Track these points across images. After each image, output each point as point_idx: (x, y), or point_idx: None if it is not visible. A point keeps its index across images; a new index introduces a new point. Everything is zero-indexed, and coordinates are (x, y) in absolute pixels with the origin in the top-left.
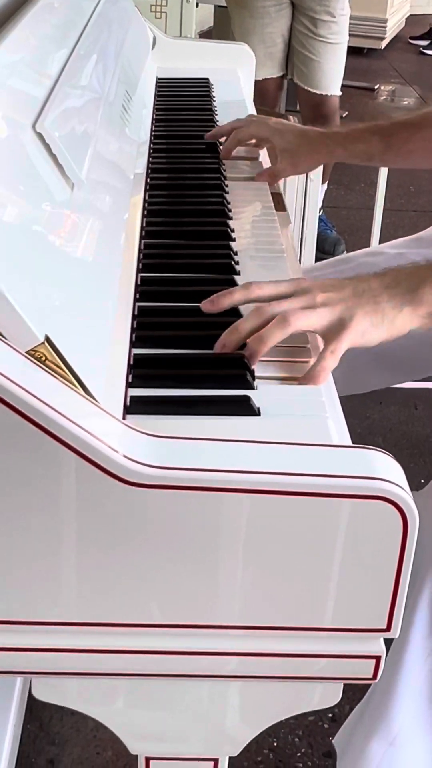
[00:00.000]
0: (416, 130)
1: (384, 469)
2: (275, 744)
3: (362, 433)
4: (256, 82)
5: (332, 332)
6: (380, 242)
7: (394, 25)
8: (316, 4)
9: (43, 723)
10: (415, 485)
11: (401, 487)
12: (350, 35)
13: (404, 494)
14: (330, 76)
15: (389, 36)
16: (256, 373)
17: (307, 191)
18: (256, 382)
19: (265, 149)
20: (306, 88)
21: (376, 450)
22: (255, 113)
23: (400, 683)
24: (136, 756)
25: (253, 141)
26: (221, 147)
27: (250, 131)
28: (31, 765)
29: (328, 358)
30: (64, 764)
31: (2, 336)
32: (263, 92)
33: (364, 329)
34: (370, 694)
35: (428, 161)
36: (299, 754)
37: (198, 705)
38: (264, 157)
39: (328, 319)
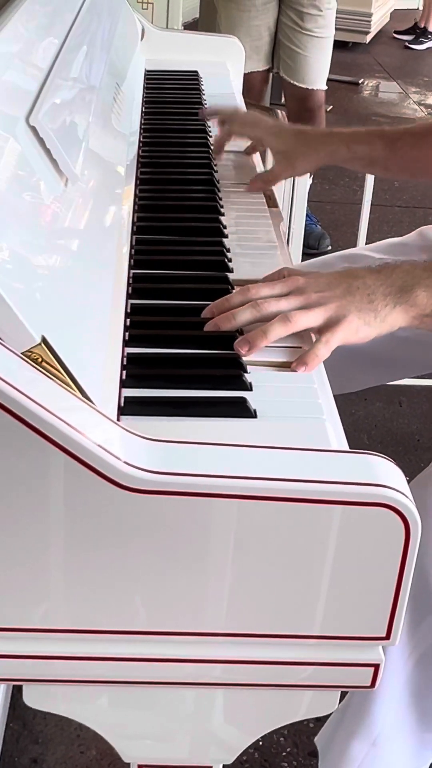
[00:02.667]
0: (421, 137)
1: (386, 475)
2: (260, 743)
3: (347, 430)
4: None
5: (326, 328)
6: (366, 237)
7: (378, 19)
8: None
9: (26, 722)
10: None
11: (404, 494)
12: (335, 29)
13: (407, 501)
14: (316, 70)
15: (374, 30)
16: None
17: (295, 187)
18: (251, 379)
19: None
20: (292, 81)
21: (377, 455)
22: (244, 107)
23: (381, 684)
24: (119, 756)
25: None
26: (212, 139)
27: (245, 131)
28: (14, 764)
29: (321, 347)
30: (47, 763)
31: None
32: (249, 86)
33: (357, 327)
34: (351, 694)
35: (428, 173)
36: (284, 753)
37: (190, 712)
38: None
39: (323, 317)
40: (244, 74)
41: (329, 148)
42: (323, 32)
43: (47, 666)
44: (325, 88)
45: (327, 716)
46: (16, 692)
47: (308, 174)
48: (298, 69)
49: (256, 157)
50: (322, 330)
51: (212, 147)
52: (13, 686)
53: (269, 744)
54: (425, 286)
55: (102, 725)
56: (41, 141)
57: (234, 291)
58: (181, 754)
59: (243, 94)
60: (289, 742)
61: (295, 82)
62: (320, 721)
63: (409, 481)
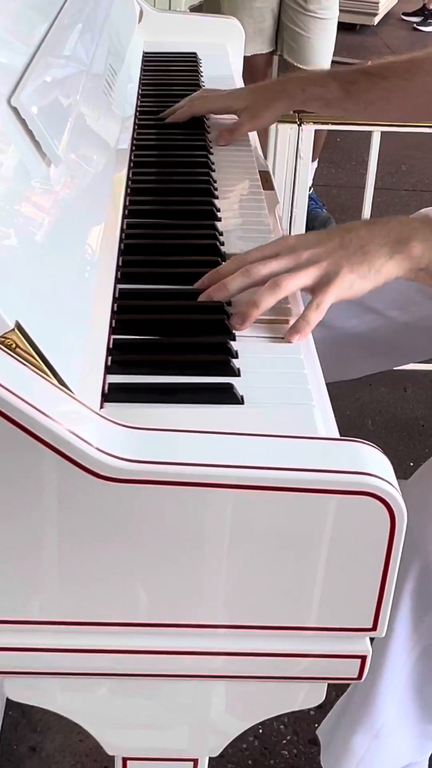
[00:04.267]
0: (378, 80)
1: (371, 463)
2: (260, 731)
3: (352, 416)
4: (246, 59)
5: (318, 287)
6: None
7: (386, 1)
8: None
9: (25, 710)
10: (404, 468)
11: (389, 482)
12: (343, 11)
13: (392, 490)
14: (320, 52)
15: (382, 12)
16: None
17: (297, 169)
18: (239, 364)
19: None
20: (296, 63)
21: (363, 443)
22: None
23: (384, 677)
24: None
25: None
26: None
27: (206, 107)
28: (12, 752)
29: (313, 312)
30: (46, 751)
31: None
32: (252, 68)
33: (351, 281)
34: (354, 686)
35: (386, 113)
36: (284, 741)
37: (180, 704)
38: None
39: (314, 276)
40: (248, 57)
41: (286, 95)
42: (327, 13)
43: (41, 659)
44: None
45: (329, 705)
46: None
47: (312, 158)
48: (301, 51)
49: (253, 135)
50: (314, 290)
51: (208, 131)
52: None
53: (269, 732)
54: (421, 239)
55: (87, 716)
56: (23, 122)
57: (226, 262)
58: (170, 746)
59: (246, 77)
60: (289, 730)
61: (299, 65)
62: (321, 709)
63: (413, 466)
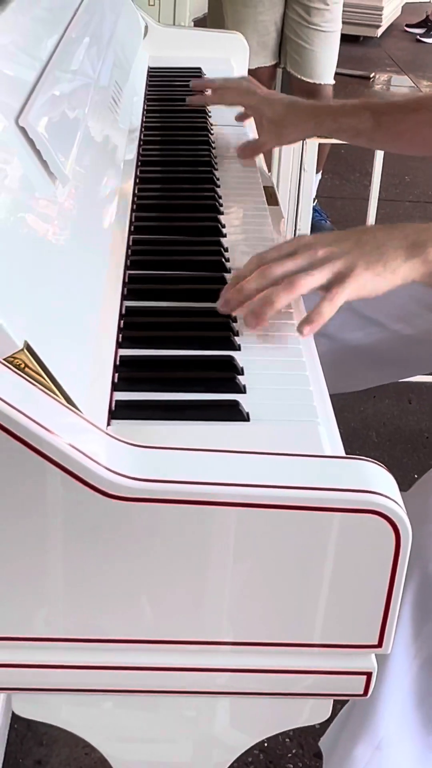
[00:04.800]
0: (409, 112)
1: (376, 481)
2: (266, 744)
3: (356, 428)
4: (249, 72)
5: (333, 284)
6: None
7: (389, 13)
8: None
9: (30, 723)
10: (408, 480)
11: (394, 501)
12: (346, 23)
13: (397, 508)
14: (323, 65)
15: (385, 24)
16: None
17: (301, 181)
18: (244, 381)
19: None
20: (299, 76)
21: (367, 461)
22: None
23: (385, 687)
24: None
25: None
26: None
27: (239, 98)
28: (18, 766)
29: (326, 305)
30: (51, 765)
31: None
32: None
33: (365, 280)
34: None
35: (417, 146)
36: (290, 755)
37: (185, 718)
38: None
39: (329, 274)
40: (252, 70)
41: (316, 120)
42: (330, 26)
43: (46, 675)
44: (333, 82)
45: (334, 716)
46: None
47: (316, 170)
48: (305, 64)
49: (251, 126)
50: (329, 287)
51: (212, 141)
52: None
53: (274, 745)
54: None
55: (99, 731)
56: (31, 142)
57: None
58: (180, 759)
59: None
60: (294, 744)
61: (303, 77)
62: (327, 722)
63: (417, 478)
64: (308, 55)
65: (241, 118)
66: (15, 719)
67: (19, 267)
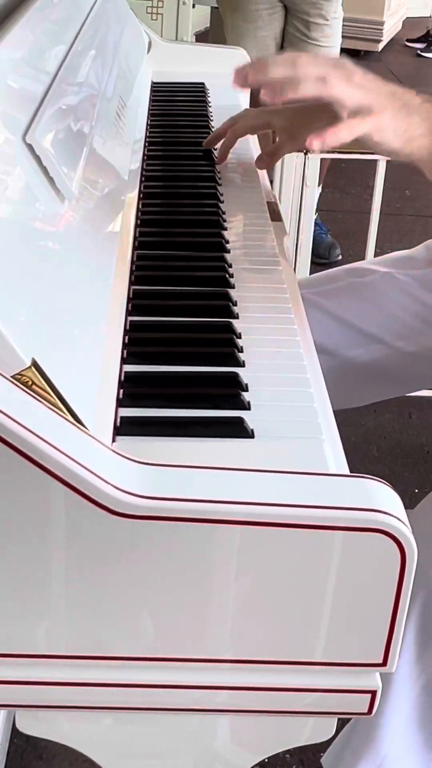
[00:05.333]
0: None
1: (382, 500)
2: (265, 760)
3: (357, 442)
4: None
5: (357, 113)
6: (377, 246)
7: (390, 27)
8: (309, 8)
9: (30, 738)
10: (409, 495)
11: (399, 519)
12: (347, 37)
13: (402, 527)
14: None
15: (386, 39)
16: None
17: (303, 196)
18: (249, 397)
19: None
20: None
21: (373, 479)
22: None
23: (388, 706)
24: None
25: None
26: (216, 153)
27: (247, 124)
28: None
29: (344, 128)
30: None
31: None
32: (255, 96)
33: (385, 126)
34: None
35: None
36: None
37: (185, 734)
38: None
39: (359, 99)
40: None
41: (327, 114)
42: (329, 41)
43: (47, 692)
44: None
45: (335, 735)
46: None
47: (317, 183)
48: None
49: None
50: (351, 115)
51: (216, 159)
52: None
53: (274, 761)
54: None
55: (101, 747)
56: (38, 159)
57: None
58: None
59: (250, 105)
60: (295, 759)
61: None
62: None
63: (418, 493)
64: None
65: (260, 163)
66: (15, 734)
67: (26, 284)
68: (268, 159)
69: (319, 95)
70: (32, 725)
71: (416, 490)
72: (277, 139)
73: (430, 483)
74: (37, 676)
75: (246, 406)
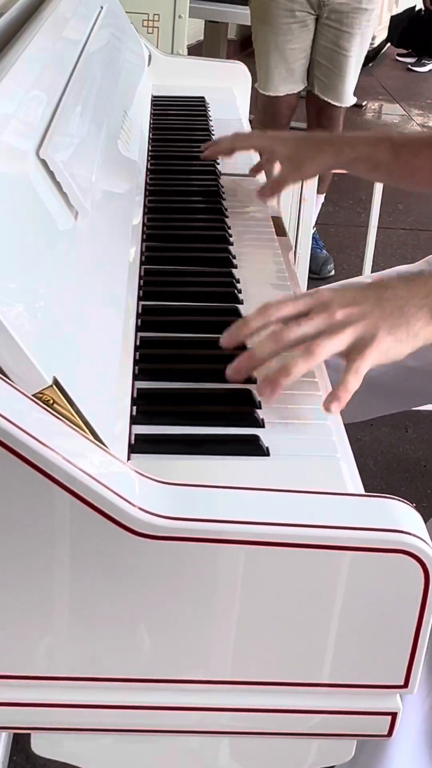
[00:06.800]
0: (426, 146)
1: (405, 520)
2: None
3: (354, 456)
4: (274, 98)
5: (355, 351)
6: (372, 260)
7: (380, 43)
8: (343, 17)
9: (29, 755)
10: None
11: (423, 540)
12: None
13: (426, 548)
14: (349, 89)
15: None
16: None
17: (301, 211)
18: (263, 415)
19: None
20: (327, 100)
21: (395, 499)
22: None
23: (398, 725)
24: None
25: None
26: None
27: (251, 142)
28: None
29: (351, 379)
30: None
31: (9, 378)
32: (280, 107)
33: (387, 347)
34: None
35: None
36: None
37: (187, 751)
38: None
39: (350, 340)
40: (279, 97)
41: (334, 149)
42: (358, 50)
43: (50, 714)
44: (354, 101)
45: None
46: None
47: (320, 191)
48: (333, 88)
49: (263, 180)
50: (350, 354)
51: (220, 174)
52: None
53: None
54: None
55: (95, 764)
56: (51, 174)
57: (253, 311)
58: None
59: (273, 115)
60: None
61: (330, 101)
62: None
63: (415, 507)
64: (337, 80)
65: (256, 169)
66: (14, 752)
67: (44, 301)
68: (270, 191)
69: (310, 368)
70: (45, 746)
71: (413, 505)
72: (282, 168)
73: (428, 498)
74: (40, 698)
75: (260, 424)
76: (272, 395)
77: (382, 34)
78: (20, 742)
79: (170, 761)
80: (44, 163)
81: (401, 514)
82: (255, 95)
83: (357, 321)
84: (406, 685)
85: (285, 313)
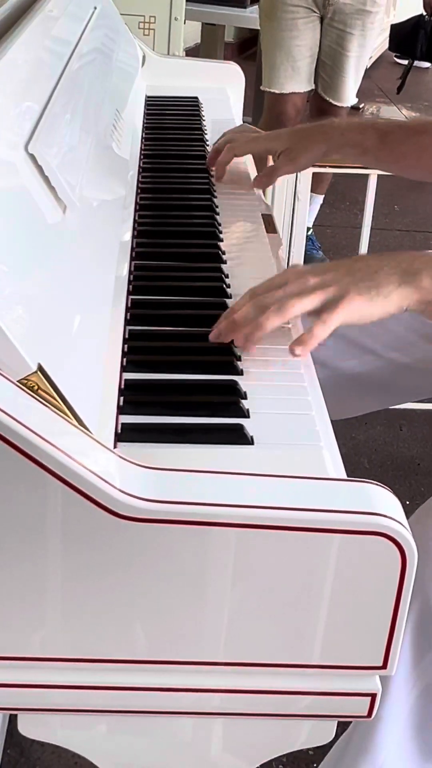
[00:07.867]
0: (413, 133)
1: (382, 503)
2: None
3: (347, 454)
4: (279, 96)
5: (325, 309)
6: None
7: (378, 45)
8: (347, 18)
9: (23, 748)
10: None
11: (400, 523)
12: None
13: (403, 530)
14: (350, 89)
15: (375, 55)
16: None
17: (295, 210)
18: (248, 405)
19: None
20: (330, 100)
21: (374, 484)
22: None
23: (385, 714)
24: None
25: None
26: (213, 170)
27: (246, 149)
28: None
29: (319, 326)
30: None
31: None
32: (286, 107)
33: (358, 305)
34: (355, 725)
35: (418, 170)
36: None
37: (180, 742)
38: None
39: (321, 300)
40: (283, 94)
41: (324, 137)
42: (363, 51)
43: (44, 695)
44: (356, 101)
45: (327, 745)
46: (14, 719)
47: (320, 191)
48: (337, 88)
49: (253, 172)
50: (320, 312)
51: (212, 173)
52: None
53: None
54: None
55: (97, 753)
56: (40, 168)
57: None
58: None
59: (278, 115)
60: None
61: (331, 100)
62: (320, 748)
63: (409, 505)
64: (341, 81)
65: (258, 183)
66: (8, 745)
67: (30, 291)
68: (266, 179)
69: (282, 321)
70: (27, 728)
71: (407, 502)
72: (279, 160)
73: (421, 495)
74: (33, 679)
75: (245, 414)
76: (247, 349)
77: (380, 38)
78: (14, 736)
79: (162, 753)
80: (33, 157)
81: (379, 497)
82: (255, 97)
83: (329, 285)
84: (384, 665)
85: (262, 288)
